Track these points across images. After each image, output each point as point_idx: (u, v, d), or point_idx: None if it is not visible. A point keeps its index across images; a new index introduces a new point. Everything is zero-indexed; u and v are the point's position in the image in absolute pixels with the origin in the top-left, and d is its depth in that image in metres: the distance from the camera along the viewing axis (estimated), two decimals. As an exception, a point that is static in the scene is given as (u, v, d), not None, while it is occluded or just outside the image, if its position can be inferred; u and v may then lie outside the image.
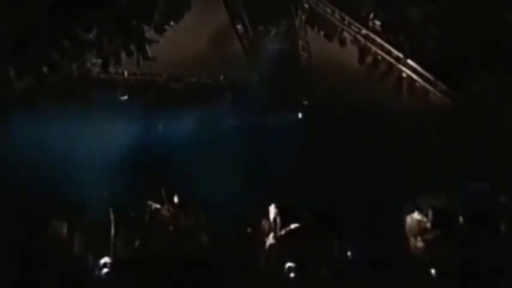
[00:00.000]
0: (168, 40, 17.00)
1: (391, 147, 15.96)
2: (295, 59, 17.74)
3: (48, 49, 15.56)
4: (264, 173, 16.08)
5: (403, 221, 15.15)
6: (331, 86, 16.86)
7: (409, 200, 15.25)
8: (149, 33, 16.92)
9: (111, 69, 17.21)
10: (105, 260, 14.53)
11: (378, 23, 17.14)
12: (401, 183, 15.45)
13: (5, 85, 15.35)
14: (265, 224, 15.38)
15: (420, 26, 16.76)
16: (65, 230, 14.87)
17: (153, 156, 16.27)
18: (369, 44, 17.18)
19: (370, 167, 15.97)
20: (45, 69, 15.59)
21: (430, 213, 15.03)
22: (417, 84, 16.74)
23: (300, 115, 17.57)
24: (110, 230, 14.89)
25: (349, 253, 14.88)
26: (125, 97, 17.47)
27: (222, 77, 17.73)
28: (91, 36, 16.37)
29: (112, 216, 14.92)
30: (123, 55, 16.88)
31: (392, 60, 17.00)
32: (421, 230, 15.06)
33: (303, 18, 17.59)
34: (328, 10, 17.46)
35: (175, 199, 15.69)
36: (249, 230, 15.44)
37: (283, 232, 15.20)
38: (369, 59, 17.20)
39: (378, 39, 17.09)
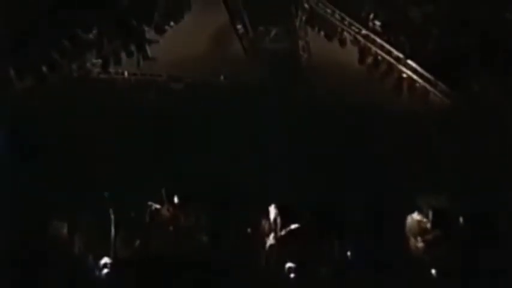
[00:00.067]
0: (168, 40, 17.04)
1: (391, 147, 15.96)
2: (295, 59, 17.76)
3: (48, 49, 15.60)
4: (264, 173, 16.05)
5: (403, 221, 15.14)
6: (331, 86, 16.87)
7: (409, 200, 15.22)
8: (149, 33, 16.96)
9: (111, 70, 17.23)
10: (105, 260, 14.49)
11: (378, 23, 17.15)
12: (401, 183, 15.44)
13: (5, 85, 15.39)
14: (265, 224, 15.36)
15: (420, 26, 16.78)
16: (65, 230, 14.87)
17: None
18: (369, 45, 17.20)
19: (370, 167, 15.95)
20: (45, 69, 15.64)
21: (430, 214, 15.02)
22: (417, 85, 16.75)
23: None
24: (110, 230, 14.87)
25: (349, 253, 14.88)
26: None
27: (222, 77, 17.74)
28: (91, 36, 16.42)
29: (112, 217, 14.89)
30: (123, 55, 16.94)
31: (392, 61, 17.01)
32: (421, 230, 15.03)
33: (303, 18, 17.60)
34: (328, 10, 17.48)
35: (175, 199, 15.68)
36: (249, 230, 15.42)
37: (283, 232, 15.18)
38: (369, 59, 17.22)
39: (378, 40, 17.11)
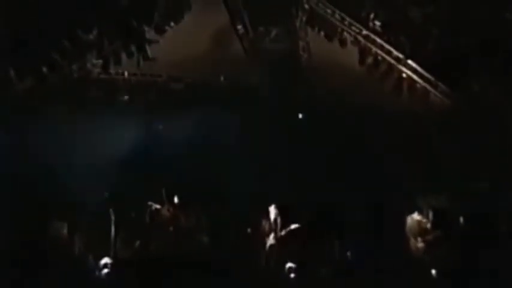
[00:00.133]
0: (168, 41, 17.04)
1: (391, 148, 15.97)
2: (295, 60, 17.76)
3: (48, 49, 15.61)
4: (264, 173, 16.05)
5: (403, 221, 15.13)
6: (331, 87, 16.87)
7: (409, 200, 15.23)
8: (149, 33, 16.96)
9: (112, 70, 17.24)
10: (106, 260, 14.48)
11: (378, 23, 17.15)
12: (401, 183, 15.46)
13: (5, 85, 15.40)
14: (265, 225, 15.36)
15: (420, 26, 16.78)
16: (65, 230, 14.87)
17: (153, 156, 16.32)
18: (369, 45, 17.19)
19: (370, 167, 15.96)
20: (45, 69, 15.65)
21: (430, 214, 15.02)
22: (417, 85, 16.75)
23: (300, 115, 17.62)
24: (110, 230, 14.87)
25: (349, 253, 14.88)
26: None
27: (222, 78, 17.74)
28: (91, 36, 16.41)
29: (112, 217, 14.89)
30: (123, 56, 16.92)
31: (392, 61, 17.02)
32: (421, 231, 15.04)
33: (304, 18, 17.60)
34: (329, 11, 17.48)
35: (176, 199, 15.67)
36: (249, 230, 15.42)
37: (283, 232, 15.17)
38: (369, 60, 17.22)
39: (378, 40, 17.11)
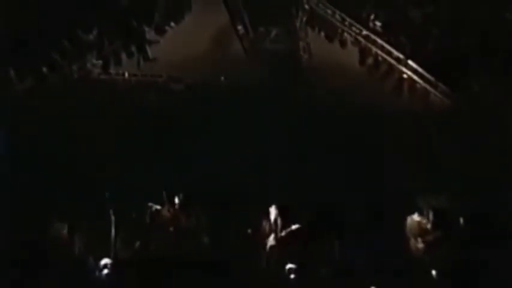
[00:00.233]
0: (169, 41, 17.06)
1: (391, 148, 15.97)
2: (295, 60, 17.76)
3: (48, 49, 15.62)
4: (264, 173, 16.04)
5: (403, 222, 15.12)
6: (331, 87, 16.87)
7: (409, 200, 15.21)
8: (150, 34, 16.99)
9: (112, 70, 17.24)
10: (106, 261, 14.47)
11: (378, 24, 17.16)
12: (401, 183, 15.44)
13: (5, 85, 15.41)
14: (265, 225, 15.35)
15: (420, 26, 16.79)
16: (65, 231, 14.87)
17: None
18: (369, 45, 17.21)
19: (370, 167, 15.96)
20: (45, 69, 15.67)
21: (431, 214, 15.00)
22: (418, 86, 16.76)
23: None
24: (111, 230, 14.86)
25: (349, 253, 14.86)
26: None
27: (222, 78, 17.74)
28: (91, 37, 16.43)
29: (112, 217, 14.89)
30: (123, 56, 16.95)
31: (393, 61, 17.05)
32: (421, 231, 15.01)
33: (304, 19, 17.62)
34: (329, 11, 17.51)
35: (176, 200, 15.67)
36: (249, 231, 15.41)
37: (283, 233, 15.16)
38: (370, 60, 17.25)
39: (379, 40, 17.12)
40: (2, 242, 14.00)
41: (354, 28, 17.32)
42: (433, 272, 14.10)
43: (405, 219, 15.10)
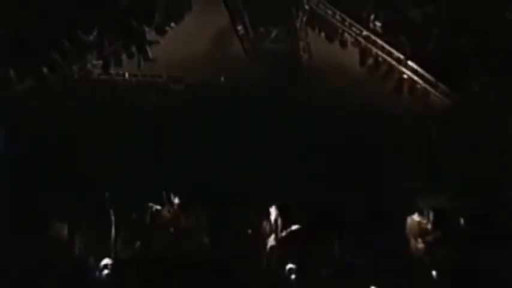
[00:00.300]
0: (169, 41, 17.07)
1: (391, 148, 15.97)
2: (295, 60, 17.77)
3: (48, 49, 15.63)
4: (264, 173, 16.04)
5: (403, 222, 15.11)
6: (331, 87, 16.87)
7: (409, 200, 15.21)
8: (150, 34, 16.99)
9: (112, 71, 17.25)
10: (106, 261, 14.47)
11: (378, 24, 17.16)
12: (401, 183, 15.44)
13: (5, 85, 15.42)
14: (266, 225, 15.34)
15: (420, 26, 16.80)
16: (65, 231, 14.86)
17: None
18: (369, 46, 17.21)
19: (370, 167, 15.95)
20: (45, 69, 15.68)
21: (431, 214, 15.00)
22: (418, 86, 16.76)
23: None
24: (111, 231, 14.86)
25: (349, 253, 14.86)
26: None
27: (222, 78, 17.74)
28: (91, 37, 16.44)
29: (113, 217, 14.89)
30: (124, 56, 16.96)
31: (393, 62, 17.05)
32: (421, 231, 15.01)
33: (304, 19, 17.62)
34: (329, 11, 17.53)
35: (176, 200, 15.67)
36: (249, 231, 15.41)
37: (284, 233, 15.16)
38: (370, 61, 17.26)
39: (379, 41, 17.13)
40: (2, 242, 13.98)
41: (354, 28, 17.33)
42: (433, 272, 14.09)
43: (405, 220, 15.10)
